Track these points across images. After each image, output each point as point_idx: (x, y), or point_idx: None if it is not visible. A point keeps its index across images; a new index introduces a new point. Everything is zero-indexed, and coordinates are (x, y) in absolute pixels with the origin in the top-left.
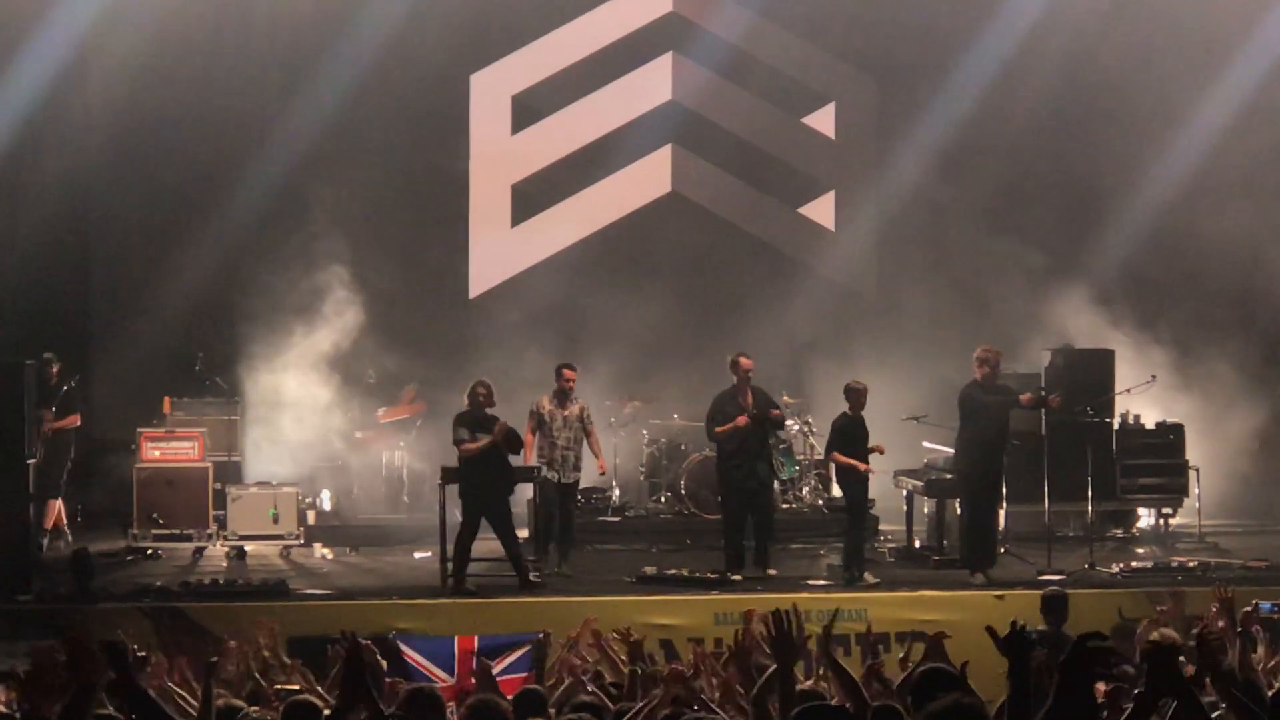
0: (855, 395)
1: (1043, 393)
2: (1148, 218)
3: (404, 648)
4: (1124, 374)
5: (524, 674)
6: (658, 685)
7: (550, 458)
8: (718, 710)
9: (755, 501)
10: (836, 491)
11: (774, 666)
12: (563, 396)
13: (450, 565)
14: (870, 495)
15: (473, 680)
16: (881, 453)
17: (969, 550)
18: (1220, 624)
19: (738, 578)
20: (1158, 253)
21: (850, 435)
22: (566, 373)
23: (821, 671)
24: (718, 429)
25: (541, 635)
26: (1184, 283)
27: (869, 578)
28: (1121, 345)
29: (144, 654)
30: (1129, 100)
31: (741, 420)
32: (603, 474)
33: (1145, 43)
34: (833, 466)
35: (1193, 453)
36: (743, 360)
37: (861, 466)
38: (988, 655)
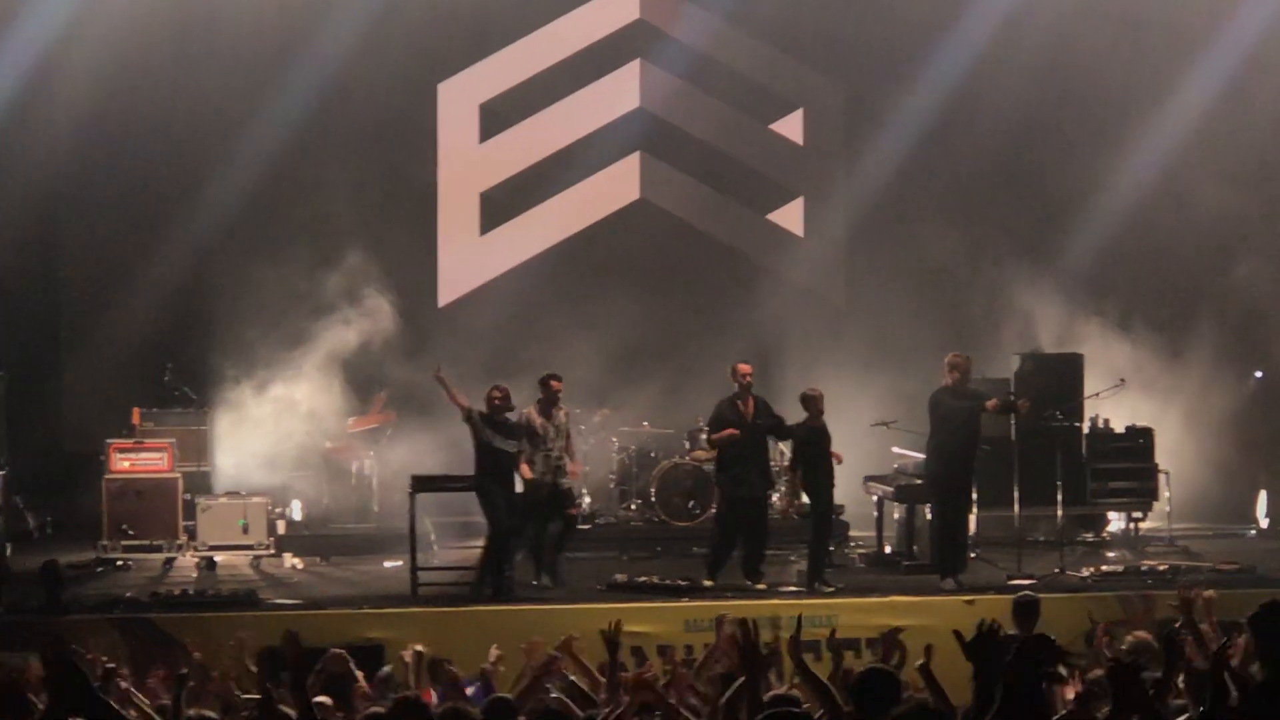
0: (812, 402)
1: (1011, 398)
2: (1117, 219)
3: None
4: (1094, 377)
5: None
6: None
7: (544, 468)
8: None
9: (748, 511)
10: (807, 498)
11: (742, 674)
12: (549, 405)
13: (415, 576)
14: (839, 501)
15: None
16: (839, 461)
17: (939, 555)
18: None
19: (709, 583)
20: (1128, 254)
21: (813, 443)
22: (554, 383)
23: (795, 680)
24: (714, 436)
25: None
26: (1154, 282)
27: (826, 586)
28: (1092, 348)
29: (112, 665)
30: (1096, 101)
31: (729, 432)
32: (575, 478)
33: (1112, 43)
34: (800, 475)
35: (1163, 453)
36: (739, 367)
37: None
38: (959, 660)
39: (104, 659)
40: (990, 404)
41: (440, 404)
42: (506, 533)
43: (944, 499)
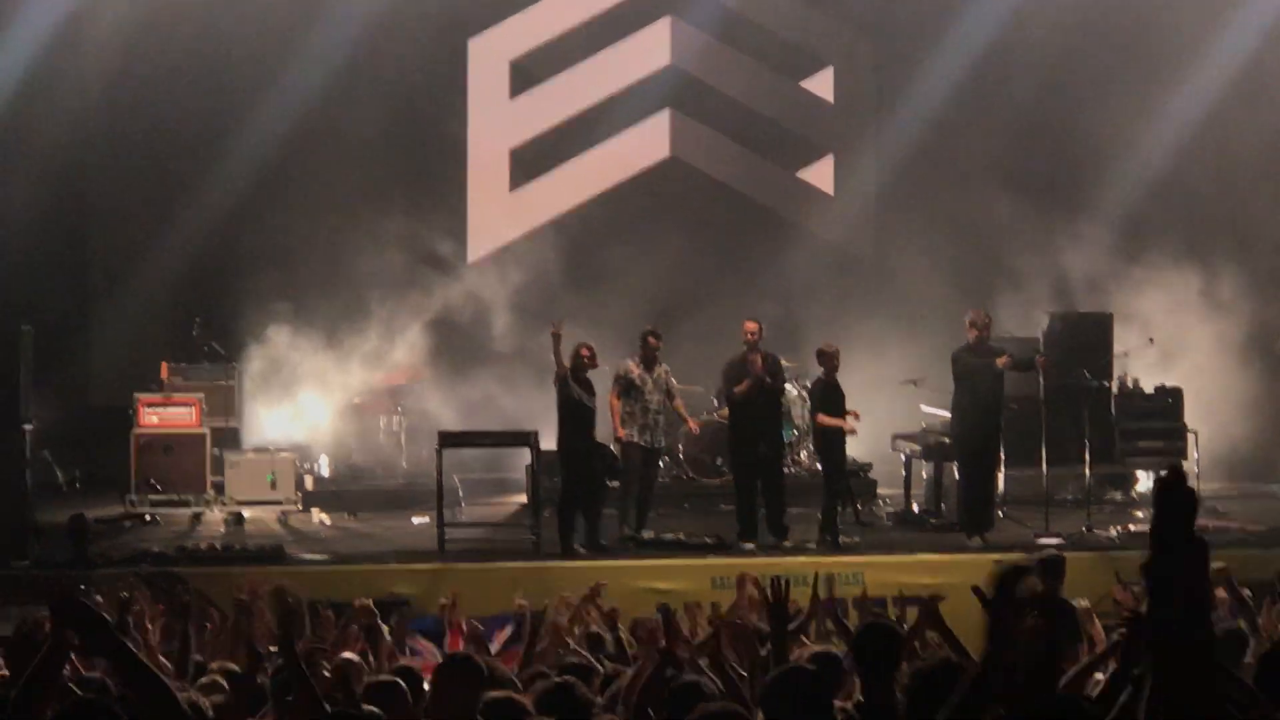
0: (827, 358)
1: (1039, 354)
2: (1152, 173)
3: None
4: (1123, 336)
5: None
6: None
7: (643, 422)
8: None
9: (763, 468)
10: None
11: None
12: (649, 362)
13: (442, 531)
14: (866, 459)
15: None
16: (857, 418)
17: (966, 514)
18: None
19: (750, 546)
20: (1162, 209)
21: (828, 399)
22: (651, 340)
23: (828, 625)
24: (735, 390)
25: (521, 611)
26: (1188, 238)
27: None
28: (1123, 305)
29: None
30: (1130, 56)
31: (742, 386)
32: (696, 434)
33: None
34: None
35: (1192, 413)
36: (746, 324)
37: (846, 425)
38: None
39: (123, 594)
40: (1001, 360)
41: (470, 360)
42: (582, 488)
43: (969, 457)
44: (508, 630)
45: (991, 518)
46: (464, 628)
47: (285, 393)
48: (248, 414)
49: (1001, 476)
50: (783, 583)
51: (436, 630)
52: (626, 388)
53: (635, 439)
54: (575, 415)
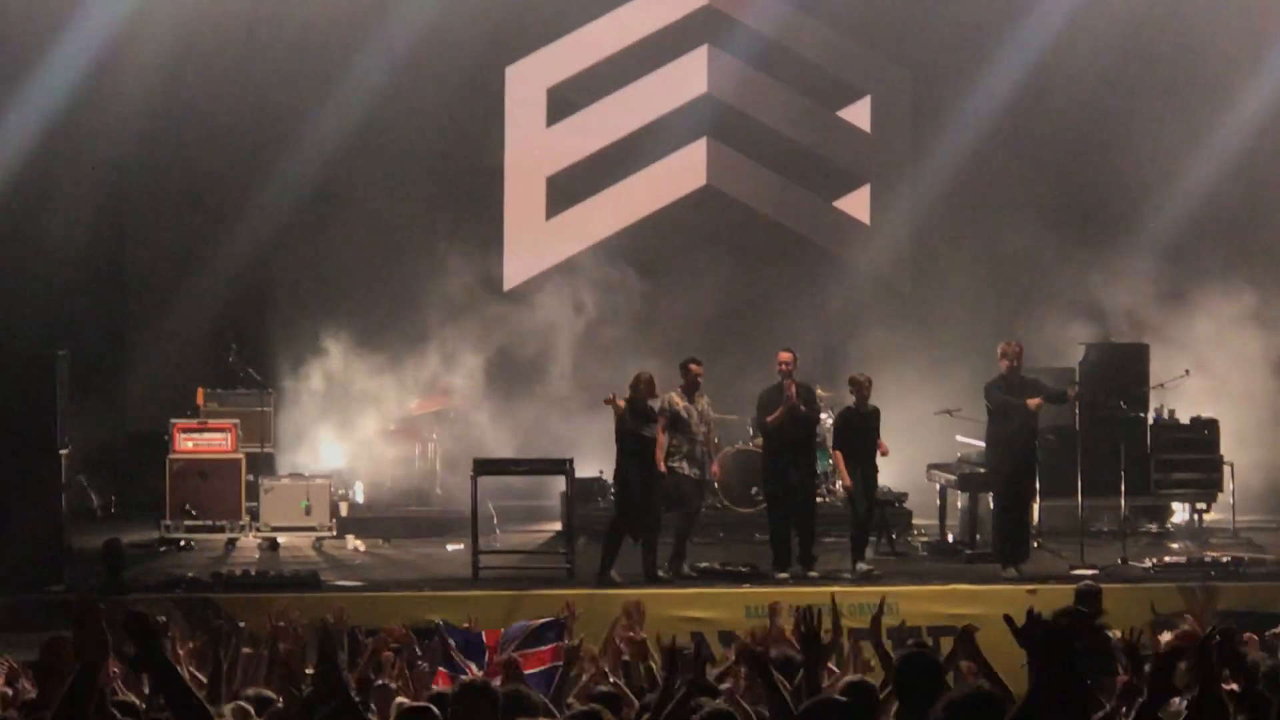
0: (857, 388)
1: (1075, 386)
2: (1191, 207)
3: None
4: (1159, 368)
5: (552, 645)
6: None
7: (690, 453)
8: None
9: (795, 498)
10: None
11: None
12: (691, 391)
13: (477, 559)
14: (902, 489)
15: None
16: (884, 453)
17: (1000, 544)
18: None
19: (784, 575)
20: (1200, 240)
21: (851, 428)
22: (693, 368)
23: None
24: (768, 419)
25: (566, 614)
26: (1227, 273)
27: (860, 567)
28: (1161, 338)
29: (164, 620)
30: (1169, 89)
31: (775, 415)
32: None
33: (1187, 31)
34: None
35: (1228, 445)
36: (780, 355)
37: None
38: (1019, 649)
39: (162, 618)
40: (1033, 403)
41: (505, 390)
42: (638, 518)
43: (1004, 488)
44: (540, 626)
45: (1027, 549)
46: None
47: (321, 419)
48: (283, 440)
49: (1037, 507)
50: (814, 612)
51: (476, 647)
52: (673, 420)
53: (685, 471)
54: (628, 443)
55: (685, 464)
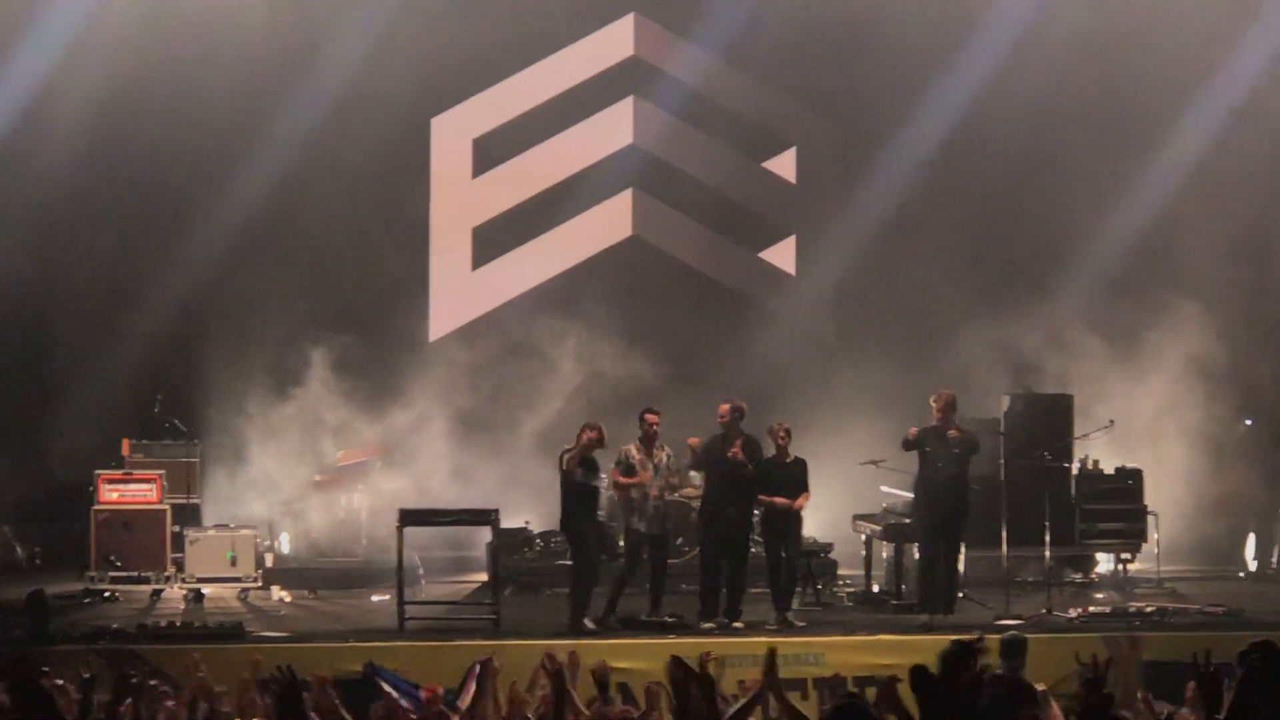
0: (772, 437)
1: (1001, 430)
2: (1112, 259)
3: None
4: (1083, 418)
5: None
6: None
7: (642, 509)
8: None
9: (728, 548)
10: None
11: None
12: (649, 443)
13: (402, 609)
14: (828, 539)
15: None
16: (799, 506)
17: (924, 594)
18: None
19: (709, 625)
20: (1125, 291)
21: (773, 479)
22: (649, 417)
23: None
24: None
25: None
26: (1151, 320)
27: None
28: (1084, 387)
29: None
30: (1092, 140)
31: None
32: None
33: (1109, 83)
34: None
35: (1152, 495)
36: (720, 407)
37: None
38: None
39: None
40: (952, 433)
41: (432, 441)
42: (594, 571)
43: (928, 537)
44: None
45: (952, 598)
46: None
47: (245, 470)
48: (208, 490)
49: (962, 558)
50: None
51: (406, 687)
52: (626, 472)
53: (639, 526)
54: (575, 495)
55: (634, 517)
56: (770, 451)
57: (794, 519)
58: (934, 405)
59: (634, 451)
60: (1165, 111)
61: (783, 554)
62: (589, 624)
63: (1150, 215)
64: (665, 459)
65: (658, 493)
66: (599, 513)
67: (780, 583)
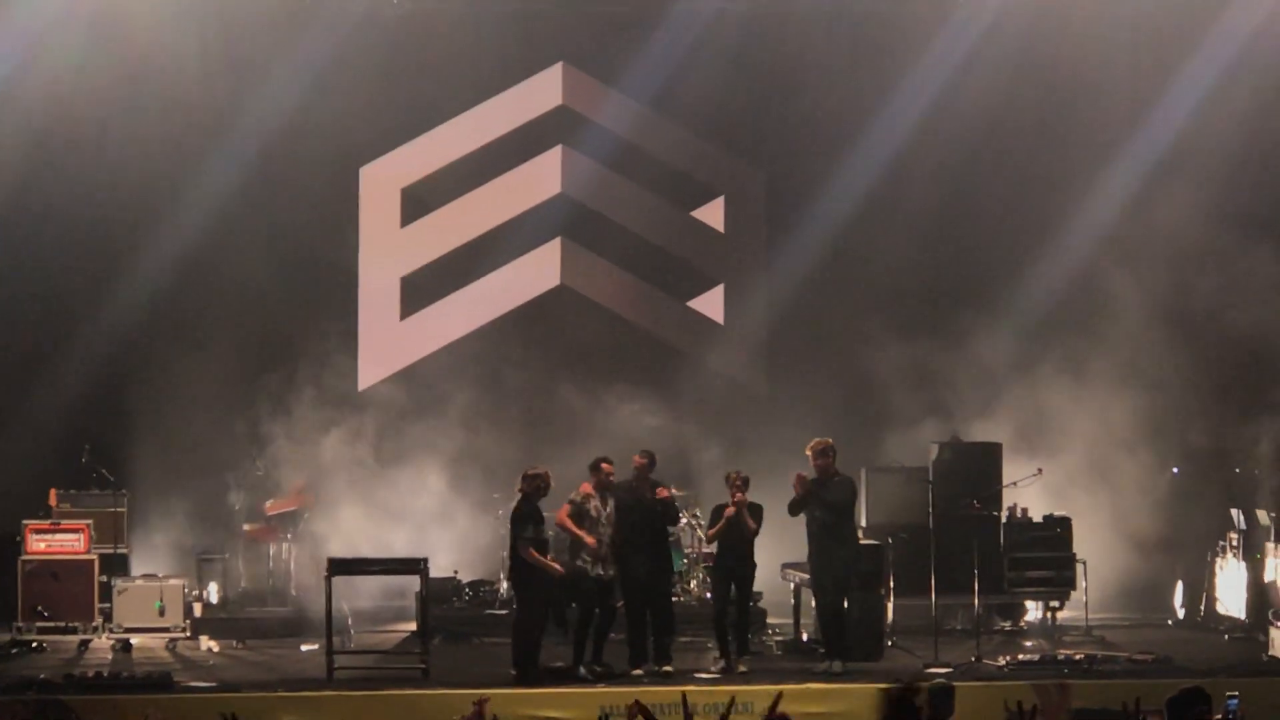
0: (728, 485)
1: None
2: (1040, 307)
3: None
4: (1011, 467)
5: None
6: None
7: (596, 554)
8: None
9: (647, 594)
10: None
11: None
12: (603, 490)
13: (331, 659)
14: (757, 589)
15: None
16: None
17: (824, 638)
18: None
19: (638, 672)
20: (1055, 337)
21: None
22: (606, 466)
23: None
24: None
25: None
26: (1082, 367)
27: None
28: (1013, 435)
29: None
30: (1019, 185)
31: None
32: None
33: (1037, 129)
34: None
35: (1080, 544)
36: (634, 458)
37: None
38: None
39: None
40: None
41: (359, 489)
42: (538, 622)
43: (820, 584)
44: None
45: (847, 642)
46: None
47: (173, 520)
48: (135, 541)
49: (890, 605)
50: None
51: None
52: (580, 516)
53: (590, 570)
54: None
55: (589, 562)
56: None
57: (747, 562)
58: (810, 455)
59: (591, 502)
60: (1095, 155)
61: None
62: (583, 672)
63: (1081, 258)
64: (611, 507)
65: (609, 538)
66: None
67: (724, 625)
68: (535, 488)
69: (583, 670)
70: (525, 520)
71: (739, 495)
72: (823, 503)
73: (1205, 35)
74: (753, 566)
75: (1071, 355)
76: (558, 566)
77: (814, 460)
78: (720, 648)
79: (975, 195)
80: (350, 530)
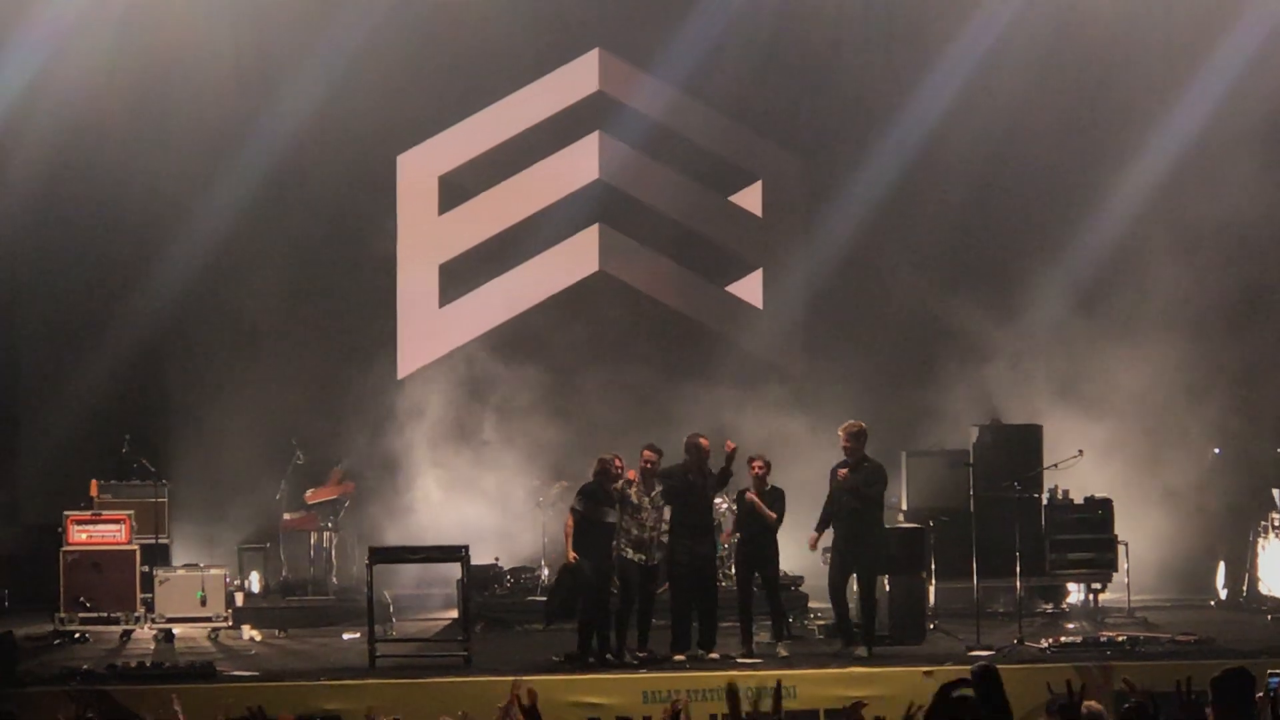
0: (750, 468)
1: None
2: (1076, 286)
3: None
4: (1053, 447)
5: None
6: None
7: (638, 538)
8: None
9: (691, 580)
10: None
11: None
12: (646, 478)
13: (373, 647)
14: (798, 573)
15: None
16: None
17: (847, 625)
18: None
19: (680, 658)
20: (1091, 319)
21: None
22: (647, 454)
23: None
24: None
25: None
26: (1116, 351)
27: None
28: (1054, 417)
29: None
30: (1058, 161)
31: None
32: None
33: (1071, 107)
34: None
35: (1122, 525)
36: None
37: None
38: None
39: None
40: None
41: (398, 475)
42: (596, 605)
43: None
44: None
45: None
46: None
47: (216, 509)
48: (177, 530)
49: (932, 589)
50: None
51: None
52: (623, 504)
53: (629, 555)
54: (583, 530)
55: (630, 549)
56: (746, 484)
57: (770, 548)
58: (841, 436)
59: (632, 488)
60: (1131, 135)
61: (757, 578)
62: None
63: (1116, 237)
64: (658, 494)
65: (653, 524)
66: (613, 545)
67: (750, 611)
68: (603, 470)
69: (626, 656)
70: (580, 494)
71: (752, 485)
72: (858, 494)
73: (1238, 15)
74: (774, 552)
75: (1108, 336)
76: (572, 554)
77: (845, 442)
78: (743, 634)
79: (1010, 176)
80: (392, 517)
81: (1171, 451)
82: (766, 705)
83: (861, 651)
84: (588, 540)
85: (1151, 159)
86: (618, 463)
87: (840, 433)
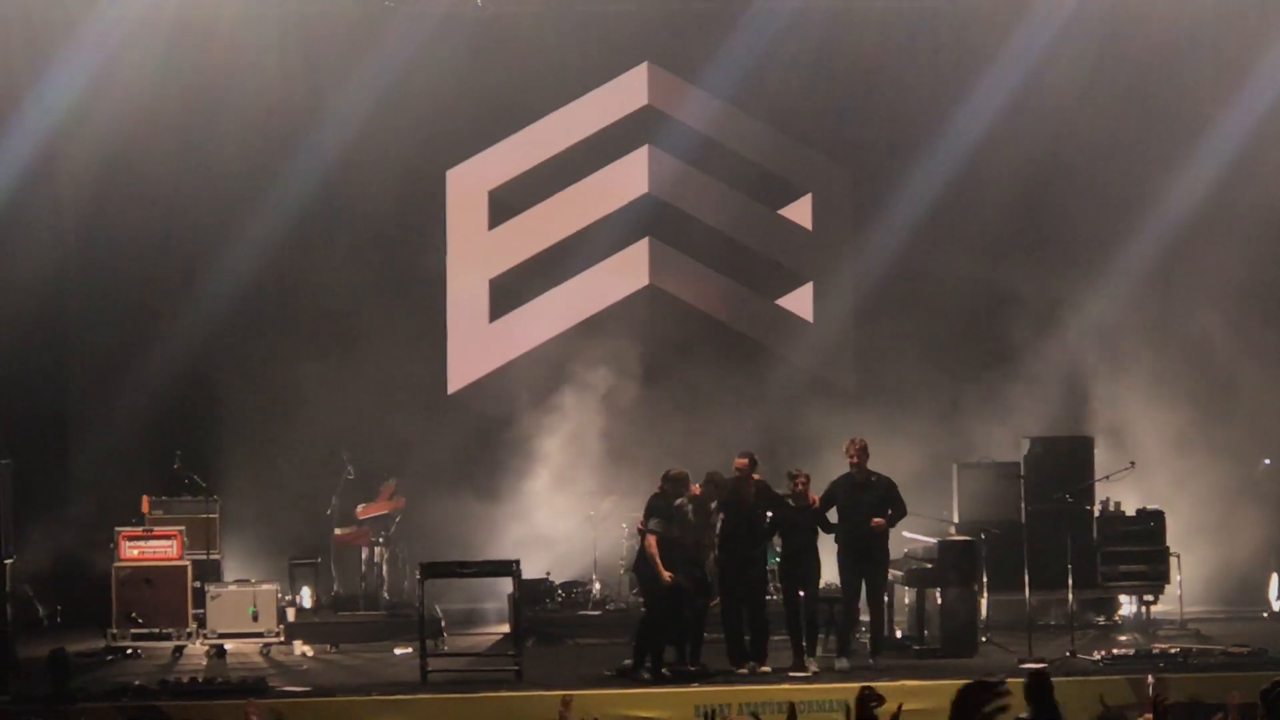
0: (792, 482)
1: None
2: (1128, 298)
3: None
4: (1102, 460)
5: None
6: None
7: (690, 555)
8: None
9: (745, 594)
10: (822, 582)
11: None
12: (715, 489)
13: (425, 662)
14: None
15: None
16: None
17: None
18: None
19: (743, 670)
20: (1138, 333)
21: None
22: (740, 461)
23: None
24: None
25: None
26: (1172, 358)
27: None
28: (1104, 429)
29: None
30: (1103, 174)
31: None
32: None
33: (1119, 119)
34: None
35: (1174, 536)
36: (736, 460)
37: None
38: None
39: None
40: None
41: (449, 490)
42: (660, 619)
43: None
44: None
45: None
46: None
47: (266, 525)
48: (229, 546)
49: (984, 601)
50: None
51: None
52: (680, 521)
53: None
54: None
55: (687, 563)
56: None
57: (804, 566)
58: (852, 450)
59: (687, 502)
60: (1173, 149)
61: (800, 596)
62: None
63: (1168, 247)
64: (714, 510)
65: (708, 540)
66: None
67: (798, 625)
68: (673, 486)
69: (677, 669)
70: (651, 512)
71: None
72: (896, 516)
73: None
74: (811, 568)
75: (1164, 343)
76: (666, 574)
77: (855, 457)
78: (793, 648)
79: (1059, 187)
80: (443, 532)
81: (1225, 462)
82: None
83: (843, 664)
84: (672, 558)
85: (1203, 163)
86: (685, 482)
87: (852, 446)
